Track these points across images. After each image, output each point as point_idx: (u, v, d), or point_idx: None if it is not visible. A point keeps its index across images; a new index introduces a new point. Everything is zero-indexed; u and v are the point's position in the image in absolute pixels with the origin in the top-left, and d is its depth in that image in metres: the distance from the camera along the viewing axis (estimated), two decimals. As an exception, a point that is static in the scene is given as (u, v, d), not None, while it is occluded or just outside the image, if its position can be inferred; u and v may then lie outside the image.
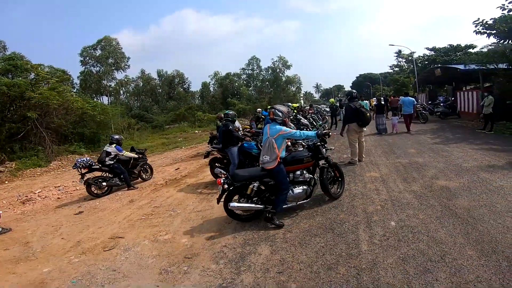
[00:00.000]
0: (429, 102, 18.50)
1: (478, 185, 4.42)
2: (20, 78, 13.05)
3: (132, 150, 7.56)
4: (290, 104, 12.62)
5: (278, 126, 3.78)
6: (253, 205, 3.82)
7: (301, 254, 2.97)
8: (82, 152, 14.67)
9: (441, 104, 15.80)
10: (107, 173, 6.74)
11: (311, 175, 4.19)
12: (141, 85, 40.71)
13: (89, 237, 4.16)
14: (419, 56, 31.00)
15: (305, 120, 9.56)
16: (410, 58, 32.76)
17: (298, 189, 3.98)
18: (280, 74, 46.26)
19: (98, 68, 30.84)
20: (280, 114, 3.87)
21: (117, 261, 3.31)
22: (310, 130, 9.27)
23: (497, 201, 3.77)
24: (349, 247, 2.99)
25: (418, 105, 14.27)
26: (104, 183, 6.56)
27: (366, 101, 12.93)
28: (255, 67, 47.72)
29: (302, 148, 4.77)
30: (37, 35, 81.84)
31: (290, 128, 4.35)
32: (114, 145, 6.85)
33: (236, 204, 3.78)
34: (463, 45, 25.57)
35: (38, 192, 7.45)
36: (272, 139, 3.70)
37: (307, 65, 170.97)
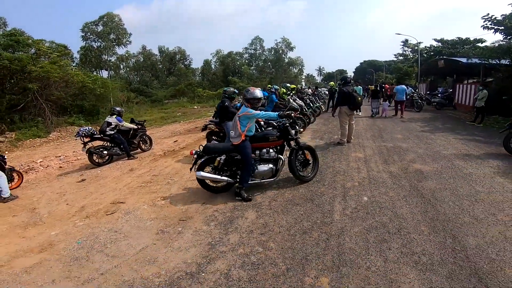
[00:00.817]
0: (428, 92, 18.66)
1: (449, 171, 4.83)
2: (22, 53, 13.08)
3: (132, 121, 7.84)
4: (288, 84, 12.82)
5: (244, 107, 4.08)
6: (218, 176, 4.06)
7: (282, 220, 3.39)
8: (81, 123, 14.92)
9: (439, 95, 16.03)
10: (108, 143, 7.04)
11: (278, 155, 4.27)
12: (141, 60, 40.22)
13: (92, 202, 4.44)
14: (425, 46, 30.64)
15: (300, 101, 9.82)
16: (416, 48, 32.37)
17: (263, 166, 4.14)
18: (283, 56, 45.67)
19: (99, 44, 30.42)
20: (247, 95, 4.15)
21: (118, 223, 3.60)
22: (305, 111, 9.59)
23: (461, 186, 4.17)
24: (324, 216, 3.43)
25: (414, 94, 14.77)
26: (105, 152, 6.84)
27: (360, 87, 13.75)
28: (258, 47, 47.02)
29: (271, 128, 4.86)
30: (38, 12, 79.31)
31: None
32: (115, 116, 7.14)
33: (202, 173, 4.03)
34: (471, 39, 25.23)
35: (40, 161, 7.58)
36: (237, 117, 4.05)
37: (311, 48, 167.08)
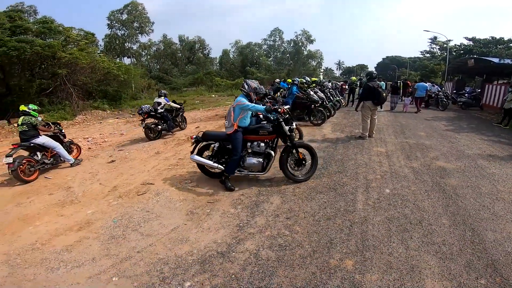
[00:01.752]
0: (454, 91, 18.07)
1: (472, 170, 4.83)
2: (53, 40, 13.70)
3: (174, 102, 8.82)
4: (308, 78, 12.74)
5: (239, 97, 4.14)
6: (210, 162, 4.25)
7: (307, 206, 3.56)
8: (105, 108, 15.56)
9: (466, 94, 15.52)
10: (158, 120, 8.03)
11: (268, 150, 4.19)
12: (162, 48, 40.84)
13: (123, 183, 4.61)
14: (455, 44, 29.63)
15: (321, 94, 9.81)
16: (445, 45, 31.18)
17: (252, 159, 4.13)
18: (302, 48, 44.97)
19: (123, 32, 31.16)
20: (246, 87, 4.26)
21: (149, 203, 3.76)
22: (326, 104, 9.60)
23: (483, 184, 4.19)
24: (347, 205, 3.57)
25: (440, 92, 14.44)
26: (159, 127, 7.89)
27: (383, 82, 14.01)
28: (277, 39, 46.47)
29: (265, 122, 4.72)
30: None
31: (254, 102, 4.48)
32: (163, 97, 8.26)
33: (195, 157, 4.31)
34: (506, 39, 24.05)
35: None
36: (231, 108, 4.16)
37: (330, 41, 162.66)
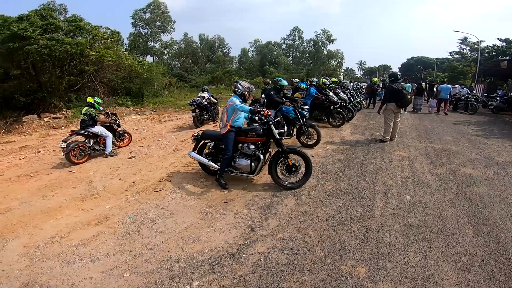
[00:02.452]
0: (486, 94, 17.07)
1: (502, 178, 4.51)
2: (81, 38, 14.29)
3: (212, 97, 10.16)
4: (328, 77, 12.46)
5: (232, 98, 4.20)
6: (205, 160, 4.43)
7: (321, 210, 3.46)
8: (129, 104, 16.01)
9: (497, 98, 14.59)
10: (203, 111, 9.48)
11: (257, 152, 4.12)
12: (183, 47, 41.54)
13: (141, 179, 4.70)
14: (487, 46, 28.04)
15: (343, 95, 9.59)
16: (476, 46, 29.57)
17: (241, 160, 4.13)
18: (322, 48, 44.16)
19: (146, 30, 31.97)
20: (240, 87, 4.31)
21: (165, 201, 3.83)
22: (347, 105, 9.34)
23: (513, 194, 3.90)
24: (364, 210, 3.43)
25: (470, 95, 13.89)
26: (205, 116, 9.53)
27: (409, 84, 13.34)
28: (297, 38, 45.92)
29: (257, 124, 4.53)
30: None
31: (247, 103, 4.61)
32: (206, 92, 9.91)
33: (192, 154, 4.54)
34: None
35: None
36: (225, 108, 4.19)
37: (351, 40, 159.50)
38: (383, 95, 7.85)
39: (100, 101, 6.49)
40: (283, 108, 6.41)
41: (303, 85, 9.41)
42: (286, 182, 4.10)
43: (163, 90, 21.17)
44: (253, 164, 4.09)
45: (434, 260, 2.54)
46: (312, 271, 2.42)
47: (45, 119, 11.65)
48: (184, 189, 4.20)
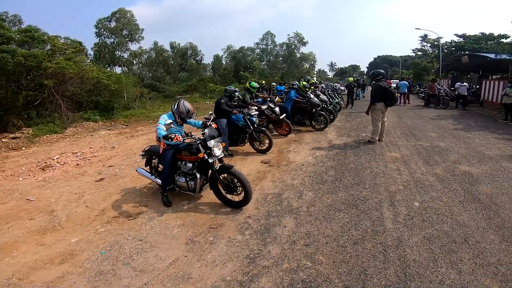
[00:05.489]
0: (452, 88, 17.96)
1: (500, 173, 4.41)
2: (37, 49, 13.12)
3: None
4: (308, 77, 12.37)
5: (162, 115, 4.04)
6: (152, 177, 4.36)
7: (326, 228, 3.04)
8: (97, 119, 14.90)
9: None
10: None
11: (194, 171, 3.88)
12: (153, 56, 40.27)
13: (112, 205, 4.10)
14: (446, 42, 29.77)
15: (324, 97, 9.38)
16: (436, 43, 31.29)
17: (180, 178, 3.95)
18: (295, 51, 44.86)
19: (112, 40, 30.55)
20: (174, 107, 4.10)
21: (142, 230, 3.28)
22: (328, 106, 9.15)
23: (519, 190, 3.76)
24: (374, 224, 3.07)
25: (441, 90, 14.46)
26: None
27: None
28: (270, 42, 46.30)
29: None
30: (52, 9, 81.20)
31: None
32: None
33: (140, 170, 4.52)
34: (495, 34, 24.18)
35: (57, 158, 7.31)
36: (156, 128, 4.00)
37: (323, 43, 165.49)
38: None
39: None
40: (232, 117, 6.30)
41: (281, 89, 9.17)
42: (235, 202, 3.72)
43: (134, 102, 20.10)
44: (191, 182, 3.85)
45: (471, 274, 2.25)
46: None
47: (3, 140, 10.37)
48: (164, 215, 3.62)
